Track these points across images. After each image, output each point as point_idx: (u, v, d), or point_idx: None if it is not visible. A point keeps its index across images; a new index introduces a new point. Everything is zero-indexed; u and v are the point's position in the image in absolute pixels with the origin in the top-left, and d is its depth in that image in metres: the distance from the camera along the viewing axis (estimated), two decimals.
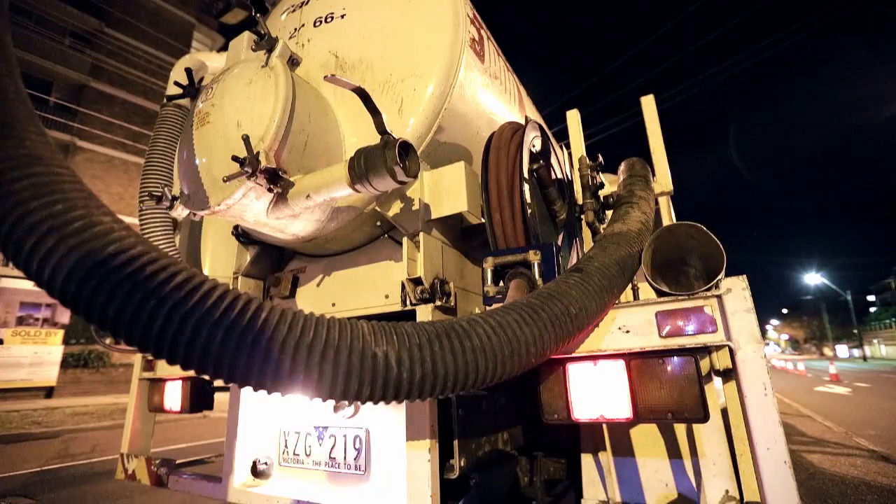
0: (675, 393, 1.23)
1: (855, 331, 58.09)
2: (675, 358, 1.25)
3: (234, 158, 1.39)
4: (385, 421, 1.66)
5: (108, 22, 19.73)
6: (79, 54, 19.34)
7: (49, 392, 13.15)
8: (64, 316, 16.26)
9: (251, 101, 1.55)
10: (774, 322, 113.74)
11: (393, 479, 1.60)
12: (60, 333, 13.99)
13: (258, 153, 1.42)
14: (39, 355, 13.20)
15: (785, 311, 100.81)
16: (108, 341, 2.29)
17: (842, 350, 71.43)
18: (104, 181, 19.83)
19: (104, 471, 5.48)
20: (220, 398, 2.34)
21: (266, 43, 1.67)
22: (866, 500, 3.49)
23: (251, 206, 1.55)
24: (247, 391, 2.00)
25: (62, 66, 18.86)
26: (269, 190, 1.49)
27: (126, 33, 19.94)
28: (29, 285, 15.91)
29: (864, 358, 53.59)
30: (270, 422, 1.96)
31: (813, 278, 57.78)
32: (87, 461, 5.99)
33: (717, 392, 1.81)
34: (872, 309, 73.63)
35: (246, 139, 1.39)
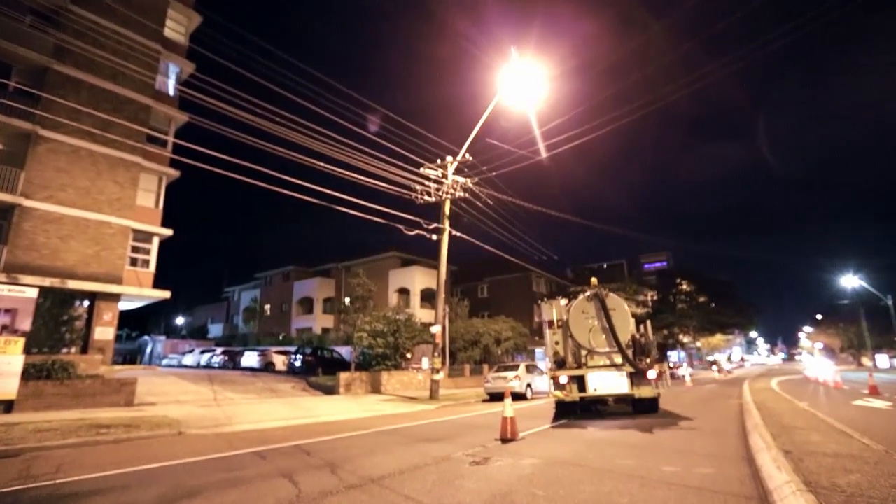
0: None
1: None
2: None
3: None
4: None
5: None
6: (41, 34, 19.35)
7: (8, 406, 13.12)
8: (25, 322, 16.22)
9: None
10: (808, 329, 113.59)
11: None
12: (21, 342, 13.96)
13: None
14: None
15: (819, 317, 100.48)
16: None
17: (882, 360, 71.30)
18: (70, 174, 19.84)
19: (70, 493, 5.38)
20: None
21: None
22: None
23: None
24: None
25: (23, 47, 18.87)
26: None
27: (93, 11, 19.95)
28: None
29: None
30: None
31: (850, 281, 57.45)
32: (51, 482, 5.90)
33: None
34: None
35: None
